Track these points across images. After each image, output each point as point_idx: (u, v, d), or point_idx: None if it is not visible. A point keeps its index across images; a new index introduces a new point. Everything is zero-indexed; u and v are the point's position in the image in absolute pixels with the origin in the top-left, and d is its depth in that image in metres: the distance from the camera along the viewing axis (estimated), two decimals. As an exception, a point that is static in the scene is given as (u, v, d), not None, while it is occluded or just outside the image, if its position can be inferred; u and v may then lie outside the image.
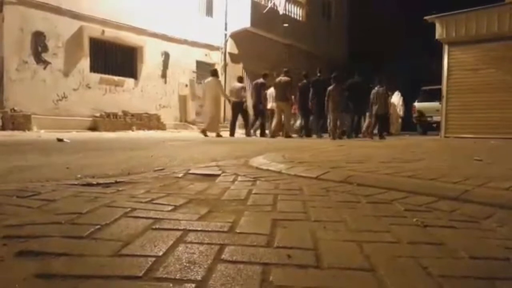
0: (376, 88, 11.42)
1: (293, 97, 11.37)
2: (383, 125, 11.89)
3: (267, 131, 11.44)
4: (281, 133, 11.08)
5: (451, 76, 11.60)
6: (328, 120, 10.56)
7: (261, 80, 11.29)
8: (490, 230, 1.44)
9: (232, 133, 10.90)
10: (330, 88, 10.29)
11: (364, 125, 12.63)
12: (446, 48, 11.67)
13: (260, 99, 11.21)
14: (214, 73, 10.59)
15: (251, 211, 1.65)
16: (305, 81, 11.58)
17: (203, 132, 10.21)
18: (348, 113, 11.50)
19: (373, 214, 1.63)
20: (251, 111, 11.62)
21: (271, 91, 11.38)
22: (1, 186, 2.12)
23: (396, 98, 16.12)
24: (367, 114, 12.39)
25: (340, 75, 10.63)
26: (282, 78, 10.81)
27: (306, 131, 11.80)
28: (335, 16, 22.47)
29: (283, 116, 10.89)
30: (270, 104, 11.46)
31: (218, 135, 10.15)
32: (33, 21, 11.03)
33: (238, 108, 10.89)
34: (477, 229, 1.45)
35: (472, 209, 1.74)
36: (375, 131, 11.77)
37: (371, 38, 21.72)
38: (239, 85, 11.16)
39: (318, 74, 11.49)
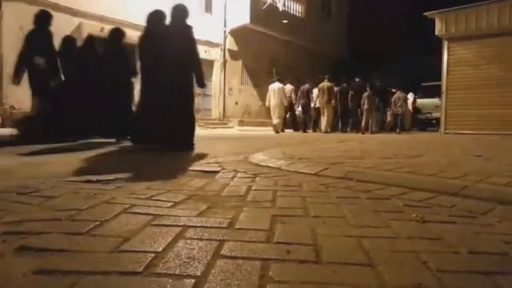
0: (397, 93, 13.52)
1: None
2: (402, 122, 13.99)
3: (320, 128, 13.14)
4: (328, 129, 12.60)
5: (450, 72, 11.59)
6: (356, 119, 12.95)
7: (307, 85, 13.14)
8: (489, 225, 1.44)
9: (283, 130, 12.50)
10: (366, 93, 12.38)
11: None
12: (445, 44, 11.66)
13: (309, 102, 13.07)
14: (280, 80, 12.48)
15: (251, 207, 1.65)
16: (344, 85, 13.19)
17: (277, 130, 11.95)
18: (378, 112, 13.86)
19: (372, 210, 1.63)
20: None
21: (315, 93, 13.10)
22: (1, 183, 2.12)
23: (410, 99, 16.39)
24: (388, 113, 14.88)
25: (375, 83, 13.47)
26: (325, 83, 12.34)
27: (342, 127, 13.52)
28: (335, 13, 22.40)
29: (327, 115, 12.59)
30: (317, 103, 13.04)
31: (282, 131, 12.18)
32: (31, 18, 10.98)
33: (290, 108, 12.82)
34: (476, 224, 1.46)
35: (471, 205, 1.75)
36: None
37: (371, 35, 21.69)
38: (290, 87, 12.89)
39: (357, 80, 13.31)
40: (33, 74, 5.75)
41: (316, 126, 13.46)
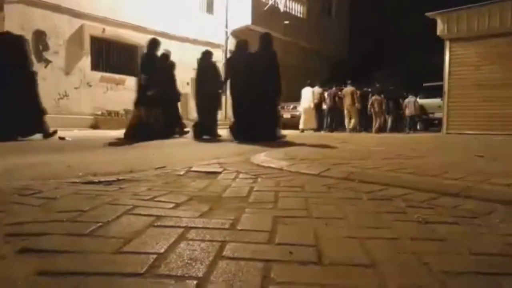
0: (409, 97, 14.42)
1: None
2: (413, 122, 15.17)
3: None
4: (357, 127, 13.93)
5: (452, 73, 11.57)
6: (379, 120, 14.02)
7: (334, 89, 14.17)
8: (491, 226, 1.43)
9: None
10: (374, 97, 13.63)
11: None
12: (447, 44, 11.63)
13: (335, 104, 14.02)
14: (312, 84, 13.77)
15: (253, 208, 1.65)
16: (365, 89, 14.41)
17: (302, 130, 13.23)
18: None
19: (374, 211, 1.63)
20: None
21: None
22: (3, 184, 2.12)
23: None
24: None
25: (395, 90, 15.00)
26: (349, 88, 13.70)
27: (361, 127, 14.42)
28: (336, 14, 22.40)
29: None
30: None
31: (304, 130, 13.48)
32: (34, 20, 11.04)
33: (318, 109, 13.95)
34: (478, 225, 1.45)
35: (473, 205, 1.74)
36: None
37: (372, 36, 21.65)
38: (319, 89, 13.98)
39: (378, 85, 14.70)
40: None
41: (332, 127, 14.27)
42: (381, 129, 13.61)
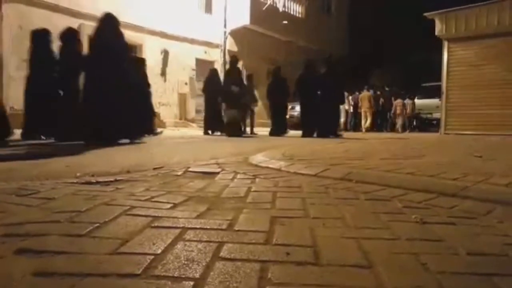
0: (406, 99, 16.07)
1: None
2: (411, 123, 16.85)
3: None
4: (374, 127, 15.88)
5: (451, 73, 11.58)
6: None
7: (357, 94, 16.07)
8: (489, 226, 1.44)
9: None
10: (397, 100, 15.79)
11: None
12: (446, 44, 11.65)
13: (357, 106, 15.95)
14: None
15: (250, 208, 1.65)
16: (378, 92, 16.36)
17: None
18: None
19: (372, 211, 1.63)
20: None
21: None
22: (0, 184, 2.12)
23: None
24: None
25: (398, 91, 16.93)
26: (365, 93, 15.63)
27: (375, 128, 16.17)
28: (335, 13, 22.41)
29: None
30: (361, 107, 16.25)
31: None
32: (32, 19, 10.99)
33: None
34: (476, 225, 1.45)
35: (471, 206, 1.74)
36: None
37: (372, 35, 21.66)
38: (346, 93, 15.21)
39: (387, 89, 16.81)
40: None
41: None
42: (405, 128, 15.54)
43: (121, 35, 6.34)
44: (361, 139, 8.29)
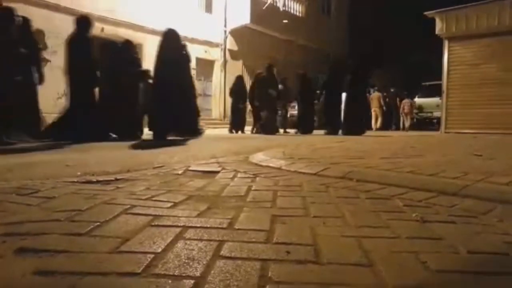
0: (407, 99, 16.72)
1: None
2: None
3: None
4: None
5: (451, 72, 11.57)
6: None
7: (368, 94, 16.23)
8: (489, 225, 1.44)
9: None
10: (405, 100, 16.54)
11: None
12: (446, 43, 11.63)
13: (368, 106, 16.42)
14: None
15: (251, 207, 1.65)
16: (385, 93, 16.79)
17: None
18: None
19: (372, 210, 1.63)
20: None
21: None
22: (1, 183, 2.12)
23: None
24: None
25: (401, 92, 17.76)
26: (375, 94, 16.31)
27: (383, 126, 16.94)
28: (335, 13, 22.38)
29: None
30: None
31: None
32: (32, 19, 10.97)
33: None
34: (476, 224, 1.45)
35: (471, 204, 1.74)
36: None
37: (372, 34, 21.63)
38: None
39: (392, 90, 17.37)
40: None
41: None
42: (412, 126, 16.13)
43: (183, 47, 7.56)
44: (388, 136, 9.43)
